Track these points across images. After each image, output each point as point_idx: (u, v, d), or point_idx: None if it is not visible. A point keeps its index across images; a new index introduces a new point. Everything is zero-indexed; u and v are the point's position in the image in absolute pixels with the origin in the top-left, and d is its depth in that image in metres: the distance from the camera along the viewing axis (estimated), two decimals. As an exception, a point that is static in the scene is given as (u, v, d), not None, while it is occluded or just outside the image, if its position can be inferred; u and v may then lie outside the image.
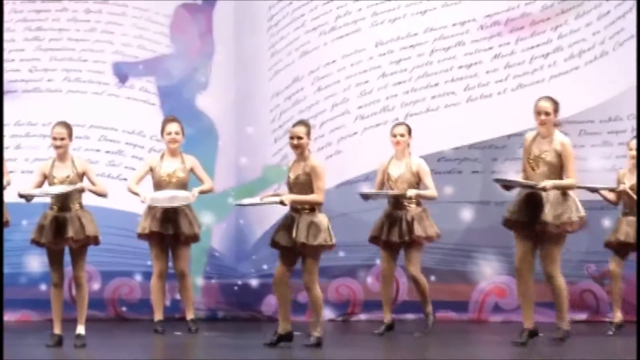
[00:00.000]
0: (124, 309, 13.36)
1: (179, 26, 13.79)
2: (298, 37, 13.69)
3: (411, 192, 11.56)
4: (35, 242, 11.09)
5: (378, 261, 12.40)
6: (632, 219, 11.79)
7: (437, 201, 12.13)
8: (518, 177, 11.02)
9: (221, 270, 13.53)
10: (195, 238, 12.19)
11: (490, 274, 13.10)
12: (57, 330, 10.97)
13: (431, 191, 11.70)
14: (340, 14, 13.54)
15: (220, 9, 13.78)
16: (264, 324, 12.71)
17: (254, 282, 13.39)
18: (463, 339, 12.13)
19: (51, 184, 11.06)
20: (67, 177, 10.95)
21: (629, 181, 11.84)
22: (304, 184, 10.58)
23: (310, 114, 13.21)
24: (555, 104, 10.81)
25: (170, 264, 12.33)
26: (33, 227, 11.61)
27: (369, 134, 13.27)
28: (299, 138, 10.58)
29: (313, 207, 10.63)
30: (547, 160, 10.71)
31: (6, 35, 13.63)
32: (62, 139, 11.01)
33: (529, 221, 10.72)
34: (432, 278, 12.74)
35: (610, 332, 11.77)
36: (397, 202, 11.67)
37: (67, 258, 11.36)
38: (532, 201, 10.73)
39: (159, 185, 12.07)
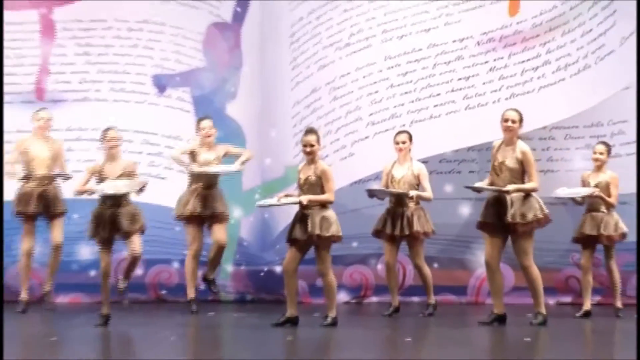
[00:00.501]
0: (163, 292, 13.66)
1: (211, 42, 13.97)
2: (316, 52, 13.84)
3: (413, 193, 12.01)
4: (92, 236, 11.34)
5: (385, 250, 12.48)
6: (597, 214, 12.13)
7: (439, 198, 12.50)
8: (484, 183, 11.38)
9: (249, 258, 13.74)
10: (228, 217, 12.54)
11: (483, 263, 12.46)
12: (105, 310, 11.25)
13: (428, 193, 12.14)
14: (353, 31, 13.73)
15: (247, 27, 13.98)
16: (285, 305, 12.52)
17: (278, 269, 13.33)
18: (461, 319, 12.37)
19: (104, 181, 11.28)
20: (120, 176, 11.29)
21: (593, 181, 12.16)
22: (314, 184, 11.03)
23: (326, 120, 13.51)
24: (521, 115, 11.23)
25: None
26: (84, 220, 11.92)
27: (379, 138, 13.35)
28: (312, 145, 11.04)
29: (323, 204, 11.09)
30: (509, 167, 11.16)
31: (58, 50, 13.83)
32: (116, 139, 11.42)
33: (496, 221, 11.18)
34: (435, 265, 13.15)
35: (579, 316, 12.10)
36: (399, 200, 12.11)
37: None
38: (497, 203, 11.18)
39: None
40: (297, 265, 11.20)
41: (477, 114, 13.29)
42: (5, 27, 13.67)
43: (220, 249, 12.51)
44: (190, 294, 12.39)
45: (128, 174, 11.38)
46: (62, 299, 13.46)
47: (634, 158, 12.99)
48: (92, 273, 13.17)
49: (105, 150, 11.44)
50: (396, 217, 12.16)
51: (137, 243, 11.48)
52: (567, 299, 13.25)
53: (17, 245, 13.07)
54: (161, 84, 13.91)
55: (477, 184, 11.51)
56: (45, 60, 13.80)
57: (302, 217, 11.05)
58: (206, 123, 12.44)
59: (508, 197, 11.12)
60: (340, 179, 11.70)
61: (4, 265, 12.73)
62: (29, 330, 11.64)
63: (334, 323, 11.20)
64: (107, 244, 11.32)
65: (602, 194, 12.09)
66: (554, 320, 11.65)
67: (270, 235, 13.74)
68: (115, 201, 11.28)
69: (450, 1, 13.63)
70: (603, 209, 12.21)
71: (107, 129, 11.53)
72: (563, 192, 12.21)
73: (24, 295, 12.58)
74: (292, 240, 11.13)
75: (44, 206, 12.44)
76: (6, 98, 13.60)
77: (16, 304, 12.73)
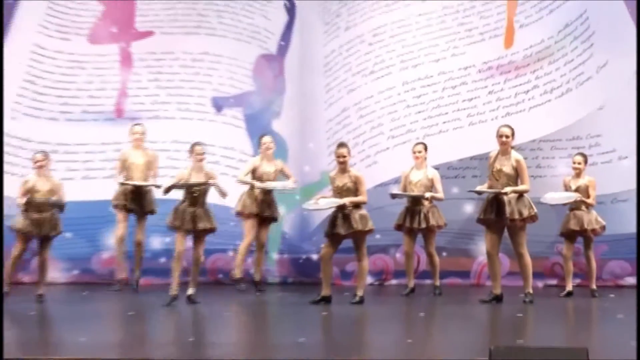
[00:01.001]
0: (220, 275, 13.51)
1: (259, 70, 13.98)
2: (346, 79, 13.90)
3: (428, 195, 12.09)
4: (172, 228, 11.34)
5: (404, 241, 12.48)
6: (578, 212, 12.17)
7: (446, 198, 12.46)
8: (484, 187, 11.49)
9: (290, 248, 13.72)
10: (277, 219, 12.63)
11: (484, 251, 12.33)
12: (174, 291, 11.31)
13: (441, 194, 12.22)
14: (376, 61, 13.81)
15: (289, 58, 14.01)
16: (320, 287, 12.45)
17: (314, 257, 13.39)
18: (465, 298, 12.41)
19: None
20: (206, 180, 11.34)
21: (574, 185, 12.20)
22: (350, 189, 11.18)
23: (354, 134, 13.58)
24: (513, 130, 11.36)
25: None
26: (155, 218, 12.33)
27: (397, 149, 13.38)
28: (344, 156, 11.22)
29: (358, 205, 11.26)
30: (506, 173, 11.29)
31: (134, 77, 13.88)
32: (203, 153, 11.45)
33: (494, 218, 11.33)
34: (444, 254, 13.12)
35: (562, 296, 12.19)
36: (416, 200, 12.20)
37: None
38: (495, 203, 11.32)
39: (260, 180, 12.25)
40: (333, 254, 11.39)
41: (478, 129, 13.28)
42: (92, 58, 13.85)
43: (262, 248, 12.67)
44: (239, 273, 12.42)
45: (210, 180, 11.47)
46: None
47: (608, 165, 13.06)
48: (162, 260, 13.21)
49: (192, 160, 11.46)
50: (414, 214, 12.27)
51: (202, 247, 11.53)
52: (553, 281, 13.25)
53: (100, 237, 13.34)
54: (218, 104, 13.91)
55: (479, 188, 11.63)
56: (124, 85, 13.86)
57: (343, 216, 11.19)
58: (267, 138, 12.46)
59: (505, 198, 11.25)
60: (365, 182, 11.68)
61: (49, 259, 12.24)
62: (113, 307, 11.84)
63: (361, 301, 11.37)
64: (185, 235, 11.35)
65: (583, 198, 12.16)
66: (542, 299, 11.83)
67: (308, 229, 13.68)
68: (196, 201, 11.33)
69: (456, 36, 13.68)
70: (583, 208, 12.26)
71: (195, 144, 11.55)
72: (551, 199, 12.23)
73: (122, 276, 12.71)
74: (332, 234, 11.27)
75: (139, 203, 12.48)
76: (92, 116, 13.72)
77: (98, 285, 12.97)
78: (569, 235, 12.37)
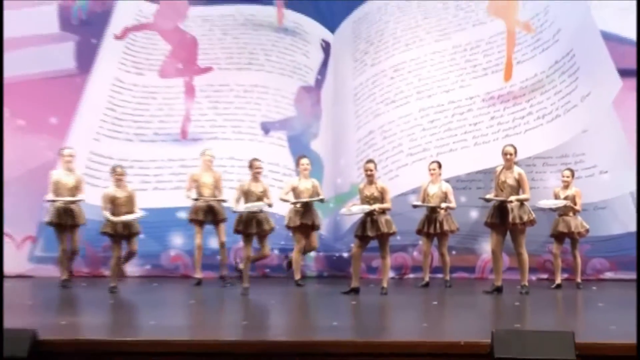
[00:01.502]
0: (267, 270, 13.43)
1: (300, 99, 13.89)
2: (371, 107, 13.80)
3: (444, 205, 12.19)
4: (238, 232, 11.55)
5: (420, 242, 12.68)
6: (566, 217, 12.17)
7: (456, 206, 12.44)
8: (491, 195, 11.52)
9: (325, 247, 13.55)
10: (319, 227, 12.54)
11: (487, 250, 12.74)
12: (246, 284, 11.43)
13: (453, 204, 12.30)
14: (397, 92, 13.73)
15: (325, 89, 13.91)
16: (350, 280, 12.53)
17: (345, 254, 13.37)
18: (471, 289, 12.30)
19: (250, 196, 11.49)
20: (262, 192, 11.56)
21: (563, 195, 12.20)
22: (377, 198, 11.22)
23: (379, 153, 13.52)
24: (515, 149, 11.38)
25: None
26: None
27: (415, 165, 13.37)
28: (371, 170, 11.25)
29: (384, 211, 11.28)
30: (510, 184, 11.34)
31: (196, 105, 13.79)
32: (261, 167, 11.67)
33: (500, 222, 11.36)
34: (453, 252, 13.05)
35: (552, 288, 12.16)
36: (433, 209, 12.26)
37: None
38: (500, 209, 11.36)
39: (298, 197, 12.15)
40: (362, 252, 11.47)
41: (482, 149, 13.32)
42: (162, 89, 13.87)
43: (313, 249, 12.70)
44: (297, 275, 12.35)
45: (265, 192, 11.62)
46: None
47: (591, 179, 13.06)
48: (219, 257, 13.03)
49: (251, 173, 11.62)
50: (431, 221, 12.33)
51: (268, 246, 11.85)
52: (544, 276, 13.21)
53: (167, 238, 13.40)
54: (266, 128, 13.83)
55: (487, 196, 11.66)
56: (188, 112, 13.85)
57: (371, 220, 11.24)
58: (304, 160, 12.36)
59: (509, 206, 11.32)
60: (389, 192, 11.69)
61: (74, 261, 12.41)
62: (178, 296, 11.93)
63: (386, 292, 11.44)
64: (250, 238, 11.56)
65: (571, 205, 12.21)
66: (535, 290, 11.84)
67: (340, 232, 13.57)
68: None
69: (463, 71, 13.65)
70: (571, 214, 12.28)
71: (254, 159, 11.73)
72: (545, 203, 12.24)
73: (199, 275, 12.59)
74: (362, 236, 11.31)
75: (211, 215, 12.42)
76: (161, 137, 13.75)
77: (165, 278, 13.07)
78: (559, 237, 12.37)
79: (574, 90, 13.17)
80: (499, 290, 11.61)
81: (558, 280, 12.36)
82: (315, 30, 13.89)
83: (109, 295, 11.39)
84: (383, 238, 11.39)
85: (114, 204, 11.56)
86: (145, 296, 11.75)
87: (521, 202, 11.39)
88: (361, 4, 13.92)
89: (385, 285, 11.48)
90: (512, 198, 11.34)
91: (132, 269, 13.10)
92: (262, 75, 13.88)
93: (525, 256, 11.58)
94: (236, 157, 13.25)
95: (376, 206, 11.25)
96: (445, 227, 12.34)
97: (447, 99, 13.60)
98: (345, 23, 13.91)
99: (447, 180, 12.62)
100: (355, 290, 11.43)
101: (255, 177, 11.57)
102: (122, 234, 11.67)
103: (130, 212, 11.60)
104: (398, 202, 12.69)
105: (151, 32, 13.83)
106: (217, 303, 11.24)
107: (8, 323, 8.02)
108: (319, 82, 13.93)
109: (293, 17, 13.83)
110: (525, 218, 11.41)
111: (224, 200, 12.37)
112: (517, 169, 11.47)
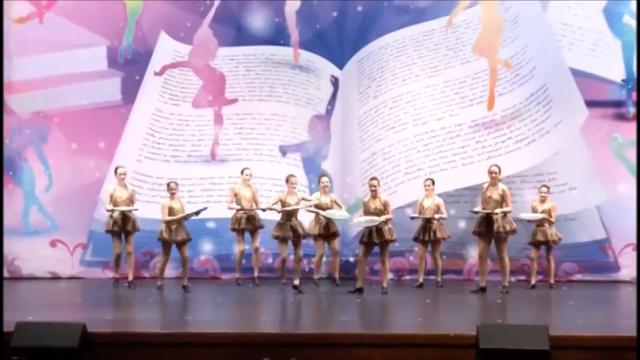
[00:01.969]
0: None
1: (312, 126, 13.79)
2: (374, 132, 13.66)
3: (437, 216, 12.16)
4: (276, 238, 11.74)
5: (416, 248, 12.59)
6: (543, 228, 12.16)
7: (446, 217, 12.40)
8: (479, 208, 11.51)
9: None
10: (339, 234, 12.40)
11: (473, 255, 12.97)
12: (297, 282, 11.40)
13: (445, 215, 12.25)
14: (396, 119, 13.60)
15: (334, 117, 13.77)
16: (356, 280, 12.30)
17: (351, 259, 13.24)
18: (459, 289, 12.21)
19: (285, 206, 11.65)
20: (296, 202, 11.61)
21: (540, 208, 12.19)
22: (381, 210, 11.22)
23: (380, 172, 13.33)
24: (499, 168, 11.42)
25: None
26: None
27: (411, 182, 13.23)
28: (375, 186, 11.28)
29: (386, 221, 11.26)
30: (495, 199, 11.36)
31: (223, 131, 13.62)
32: (296, 182, 11.85)
33: (486, 231, 11.38)
34: (444, 257, 12.84)
35: (529, 288, 12.04)
36: (427, 220, 12.22)
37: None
38: (487, 220, 11.37)
39: (320, 209, 11.96)
40: (367, 257, 11.47)
41: (469, 169, 13.26)
42: (194, 118, 13.80)
43: (337, 254, 12.55)
44: (316, 275, 12.31)
45: (298, 203, 11.70)
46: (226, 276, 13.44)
47: (562, 194, 12.95)
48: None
49: (288, 187, 11.69)
50: (427, 230, 12.32)
51: (301, 249, 11.80)
52: (522, 277, 13.12)
53: (199, 245, 13.21)
54: (284, 150, 13.75)
55: (476, 209, 11.66)
56: (216, 137, 13.79)
57: (376, 229, 11.25)
58: (324, 179, 12.24)
59: (495, 217, 11.33)
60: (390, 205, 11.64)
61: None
62: (208, 295, 11.94)
63: (385, 292, 11.42)
64: (286, 242, 11.68)
65: (547, 217, 12.20)
66: (514, 290, 11.80)
67: (347, 239, 13.49)
68: (292, 216, 11.63)
69: (452, 102, 13.53)
70: (547, 224, 12.25)
71: (290, 175, 11.85)
72: (525, 216, 12.25)
73: (239, 275, 12.54)
74: (368, 242, 11.33)
75: (251, 223, 12.35)
76: (194, 159, 13.66)
77: (197, 279, 12.85)
78: (536, 244, 12.33)
79: (547, 119, 13.16)
80: (483, 290, 11.58)
81: (533, 281, 12.30)
82: (326, 67, 13.85)
83: (149, 294, 11.39)
84: (385, 244, 11.39)
85: (171, 213, 11.61)
86: (180, 295, 11.69)
87: (504, 214, 11.41)
88: (365, 45, 13.84)
89: (385, 285, 11.46)
90: (497, 211, 11.35)
91: (168, 271, 12.99)
92: (281, 105, 13.84)
93: (507, 260, 11.55)
94: (257, 176, 13.15)
95: (384, 217, 11.25)
96: (439, 235, 12.29)
97: (438, 125, 13.54)
98: (351, 61, 13.84)
99: (439, 195, 12.60)
100: (360, 290, 11.41)
101: (291, 190, 11.68)
102: (174, 240, 11.68)
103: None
104: (396, 213, 12.32)
105: (186, 69, 13.81)
106: (244, 301, 11.21)
107: (61, 318, 8.02)
108: (329, 112, 13.85)
109: (307, 56, 13.76)
110: (508, 228, 11.43)
111: (262, 209, 12.38)
112: (501, 186, 11.46)
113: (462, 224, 13.27)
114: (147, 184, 13.52)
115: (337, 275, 12.43)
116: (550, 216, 12.23)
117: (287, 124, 13.87)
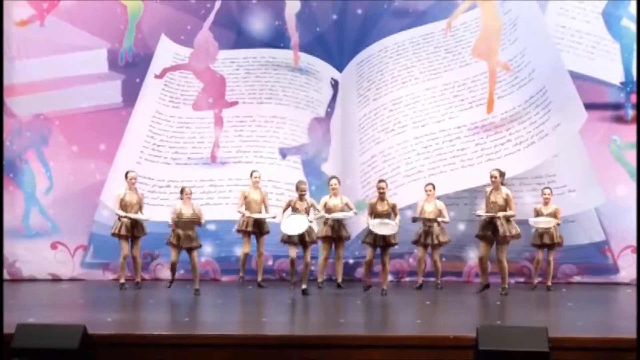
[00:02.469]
0: (284, 274, 13.23)
1: (312, 129, 13.74)
2: (373, 135, 13.62)
3: (439, 219, 12.18)
4: (285, 242, 11.46)
5: (416, 251, 12.58)
6: (548, 229, 12.15)
7: (449, 221, 12.46)
8: (483, 211, 11.50)
9: (333, 254, 12.82)
10: (349, 238, 12.34)
11: (473, 257, 13.02)
12: (303, 286, 11.35)
13: (447, 219, 12.27)
14: (395, 122, 13.57)
15: (334, 119, 13.71)
16: (356, 282, 12.85)
17: (351, 261, 13.22)
18: (459, 290, 12.29)
19: (297, 211, 11.39)
20: (305, 209, 11.46)
21: (545, 211, 12.20)
22: (388, 212, 11.29)
23: (380, 174, 13.17)
24: (500, 171, 11.41)
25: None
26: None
27: (410, 185, 13.19)
28: (383, 189, 11.35)
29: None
30: (499, 204, 11.33)
31: (223, 134, 13.61)
32: (305, 189, 11.56)
33: (489, 234, 11.36)
34: (443, 259, 12.84)
35: (532, 289, 12.16)
36: (429, 224, 12.24)
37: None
38: (491, 224, 11.35)
39: (329, 212, 11.95)
40: (373, 259, 11.48)
41: (468, 171, 13.27)
42: (195, 120, 13.77)
43: (340, 259, 12.48)
44: (320, 278, 12.31)
45: (307, 209, 11.56)
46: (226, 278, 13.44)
47: (561, 196, 12.91)
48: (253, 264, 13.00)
49: (297, 193, 11.56)
50: (428, 234, 12.32)
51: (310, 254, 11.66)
52: (521, 279, 13.16)
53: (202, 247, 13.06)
54: (283, 153, 13.74)
55: (479, 212, 11.63)
56: (217, 139, 13.78)
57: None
58: (333, 181, 12.15)
59: (498, 221, 11.31)
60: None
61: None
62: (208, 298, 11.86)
63: (385, 293, 11.42)
64: (295, 244, 11.52)
65: (558, 222, 12.21)
66: (513, 292, 11.77)
67: (346, 241, 13.07)
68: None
69: (452, 104, 13.53)
70: (552, 227, 12.24)
71: (300, 182, 11.68)
72: (535, 222, 12.20)
73: (241, 275, 12.57)
74: (374, 244, 11.36)
75: (257, 227, 12.32)
76: (194, 161, 13.63)
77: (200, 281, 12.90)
78: (541, 246, 12.35)
79: (546, 121, 13.15)
80: (487, 286, 11.55)
81: (535, 281, 12.40)
82: (325, 70, 13.82)
83: (149, 296, 11.39)
84: (388, 246, 11.43)
85: (181, 218, 11.52)
86: (180, 296, 11.69)
87: (507, 218, 11.41)
88: (364, 48, 13.85)
89: (385, 287, 11.44)
90: (500, 214, 11.33)
91: (168, 273, 12.95)
92: (280, 108, 13.81)
93: (505, 263, 11.51)
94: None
95: (397, 220, 11.37)
96: (441, 239, 12.32)
97: (438, 128, 13.53)
98: (351, 64, 13.81)
99: (438, 198, 12.57)
100: (366, 289, 11.50)
101: (301, 196, 11.50)
102: (182, 245, 11.66)
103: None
104: (397, 216, 12.53)
105: (186, 72, 13.78)
106: (245, 302, 11.28)
107: (62, 319, 8.01)
108: (329, 114, 13.82)
109: (307, 59, 13.72)
110: (513, 232, 11.44)
111: (273, 217, 12.36)
112: (505, 190, 11.45)
113: (461, 227, 13.26)
114: (147, 186, 13.43)
115: (340, 279, 12.39)
116: (557, 218, 12.25)
117: (287, 126, 13.82)
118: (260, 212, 12.43)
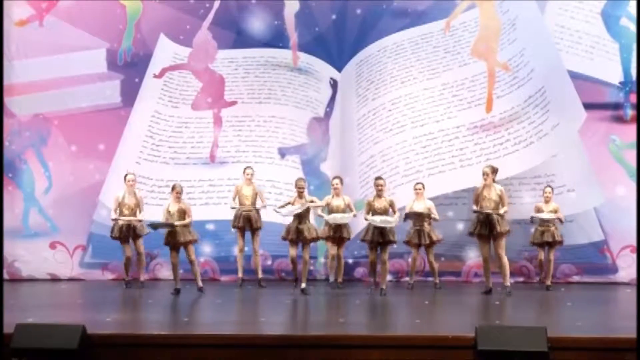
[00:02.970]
0: (283, 274, 13.30)
1: (311, 128, 13.75)
2: (372, 134, 13.65)
3: (432, 215, 12.14)
4: (285, 239, 11.51)
5: (413, 251, 12.38)
6: (551, 228, 12.17)
7: (443, 219, 12.53)
8: (477, 208, 11.36)
9: None
10: (350, 238, 12.17)
11: (472, 257, 13.11)
12: (302, 285, 11.35)
13: (437, 216, 12.22)
14: (394, 122, 13.60)
15: (333, 119, 13.72)
16: (355, 282, 12.92)
17: (350, 261, 13.23)
18: (458, 291, 12.29)
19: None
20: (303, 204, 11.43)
21: (546, 209, 12.21)
22: (386, 210, 11.32)
23: (378, 174, 12.92)
24: (492, 168, 11.33)
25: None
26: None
27: (409, 184, 12.94)
28: (382, 186, 11.36)
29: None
30: (493, 200, 11.29)
31: (222, 133, 13.66)
32: (304, 187, 11.52)
33: (485, 232, 11.32)
34: (442, 259, 12.99)
35: (539, 285, 12.22)
36: (420, 224, 12.21)
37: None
38: (486, 221, 11.29)
39: (332, 212, 11.84)
40: (376, 259, 11.50)
41: (467, 171, 13.25)
42: (194, 120, 13.80)
43: (341, 259, 12.40)
44: (331, 277, 12.30)
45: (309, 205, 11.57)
46: (227, 278, 13.42)
47: (559, 196, 12.90)
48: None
49: (296, 190, 11.56)
50: (420, 233, 12.31)
51: (309, 252, 11.63)
52: (520, 279, 13.15)
53: (199, 245, 12.86)
54: (282, 152, 13.73)
55: (476, 208, 11.52)
56: (216, 139, 13.79)
57: (380, 229, 11.32)
58: (335, 181, 12.07)
59: (494, 218, 11.26)
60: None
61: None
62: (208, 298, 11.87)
63: (384, 293, 11.41)
64: (295, 243, 11.49)
65: (560, 217, 12.25)
66: (513, 291, 11.58)
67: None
68: (302, 219, 11.46)
69: (451, 104, 13.55)
70: (553, 225, 12.26)
71: (300, 179, 11.69)
72: (543, 215, 12.21)
73: (241, 275, 12.54)
74: (372, 241, 11.38)
75: (249, 222, 12.30)
76: (193, 161, 13.65)
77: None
78: (542, 245, 12.36)
79: (545, 121, 13.16)
80: (489, 291, 11.55)
81: (549, 282, 12.35)
82: (324, 70, 13.84)
83: (148, 295, 11.38)
84: (388, 245, 11.44)
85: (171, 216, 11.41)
86: (180, 296, 11.59)
87: (501, 215, 11.39)
88: (363, 48, 13.85)
89: (384, 287, 11.41)
90: (501, 211, 11.31)
91: (167, 273, 13.01)
92: (279, 107, 13.84)
93: (505, 260, 11.43)
94: (256, 178, 12.99)
95: (397, 217, 11.38)
96: (434, 238, 12.29)
97: (437, 128, 13.55)
98: (350, 64, 13.83)
99: (437, 197, 12.66)
100: (377, 285, 11.58)
101: (300, 194, 11.48)
102: (178, 242, 11.56)
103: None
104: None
105: (185, 72, 13.81)
106: (244, 302, 11.21)
107: (61, 319, 8.00)
108: (328, 114, 13.84)
109: (306, 59, 13.76)
110: (508, 227, 11.43)
111: (263, 207, 12.39)
112: (498, 187, 11.40)
113: (460, 226, 13.26)
114: (146, 185, 13.45)
115: (340, 279, 12.33)
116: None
117: (286, 126, 13.83)
118: (252, 207, 12.43)
